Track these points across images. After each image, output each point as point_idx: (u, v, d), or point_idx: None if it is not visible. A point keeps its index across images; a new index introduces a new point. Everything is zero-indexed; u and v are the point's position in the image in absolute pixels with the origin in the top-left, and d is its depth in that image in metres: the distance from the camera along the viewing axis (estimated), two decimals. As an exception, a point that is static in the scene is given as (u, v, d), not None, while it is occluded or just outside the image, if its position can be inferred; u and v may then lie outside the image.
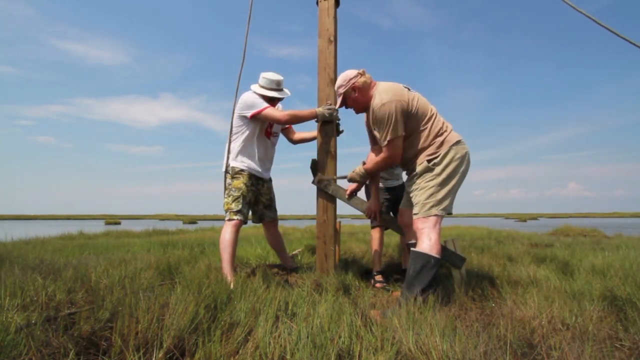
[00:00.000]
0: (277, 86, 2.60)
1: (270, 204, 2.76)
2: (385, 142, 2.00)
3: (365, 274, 2.93)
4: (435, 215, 1.92)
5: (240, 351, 1.19)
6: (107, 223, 24.73)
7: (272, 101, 2.59)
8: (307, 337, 1.19)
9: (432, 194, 1.94)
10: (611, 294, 1.82)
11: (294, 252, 3.75)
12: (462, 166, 1.99)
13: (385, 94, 1.98)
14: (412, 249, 1.94)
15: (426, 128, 2.02)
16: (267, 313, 1.43)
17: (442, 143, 1.99)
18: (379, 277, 2.72)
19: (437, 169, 1.96)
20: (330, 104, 2.47)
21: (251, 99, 2.50)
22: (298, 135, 2.92)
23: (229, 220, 2.44)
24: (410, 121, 2.01)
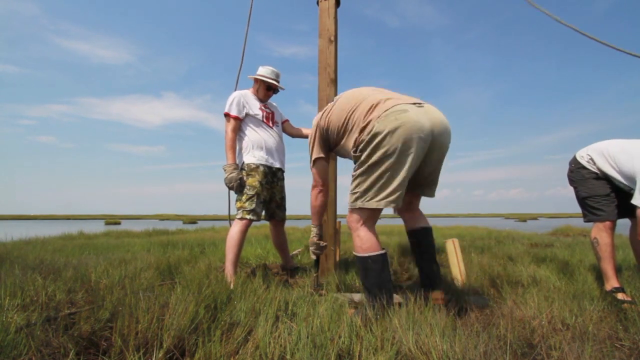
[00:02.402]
0: (276, 77, 2.70)
1: (282, 203, 2.76)
2: (311, 164, 2.02)
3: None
4: (360, 208, 1.68)
5: (240, 351, 1.19)
6: (107, 223, 24.73)
7: (269, 90, 2.70)
8: (307, 337, 1.19)
9: (358, 184, 1.68)
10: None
11: (294, 252, 3.76)
12: (397, 144, 1.55)
13: None
14: (353, 253, 1.77)
15: (352, 117, 1.75)
16: (267, 313, 1.43)
17: (367, 124, 1.64)
18: None
19: (363, 156, 1.65)
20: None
21: (229, 100, 2.57)
22: (296, 130, 2.94)
23: (241, 219, 2.44)
24: (332, 128, 1.85)
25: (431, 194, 1.90)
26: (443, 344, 1.14)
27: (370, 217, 1.72)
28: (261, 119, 2.60)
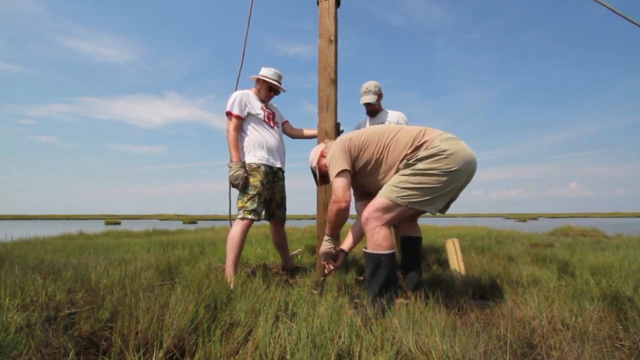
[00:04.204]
0: (279, 79, 2.71)
1: (282, 203, 2.77)
2: (332, 178, 1.89)
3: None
4: (393, 202, 1.73)
5: (240, 351, 1.19)
6: (107, 223, 24.73)
7: (271, 90, 2.71)
8: (307, 337, 1.19)
9: (405, 181, 1.75)
10: (611, 294, 1.82)
11: (294, 252, 3.76)
12: (454, 165, 1.72)
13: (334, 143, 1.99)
14: (363, 249, 1.81)
15: (394, 142, 1.86)
16: (267, 313, 1.43)
17: (423, 142, 1.80)
18: None
19: (421, 164, 1.75)
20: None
21: (231, 99, 2.57)
22: (296, 131, 2.94)
23: (242, 219, 2.44)
24: (366, 150, 1.91)
25: (442, 212, 2.00)
26: (443, 344, 1.14)
27: (397, 216, 1.77)
28: (262, 118, 2.61)
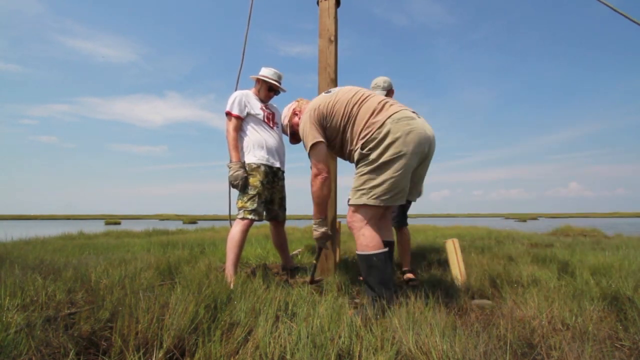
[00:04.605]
0: (278, 79, 2.71)
1: (282, 204, 2.77)
2: (308, 150, 1.89)
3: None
4: (365, 204, 1.72)
5: (240, 351, 1.19)
6: (107, 223, 24.73)
7: (271, 90, 2.71)
8: (307, 337, 1.19)
9: (365, 181, 1.73)
10: (611, 294, 1.82)
11: (294, 252, 3.76)
12: (405, 148, 1.67)
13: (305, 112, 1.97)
14: (356, 251, 1.79)
15: (358, 113, 1.80)
16: (267, 313, 1.43)
17: (376, 122, 1.73)
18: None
19: (373, 154, 1.72)
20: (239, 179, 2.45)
21: (231, 99, 2.57)
22: None
23: (242, 219, 2.44)
24: (333, 119, 1.87)
25: (413, 198, 2.01)
26: (443, 344, 1.14)
27: (374, 215, 1.76)
28: (262, 119, 2.61)
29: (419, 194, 2.01)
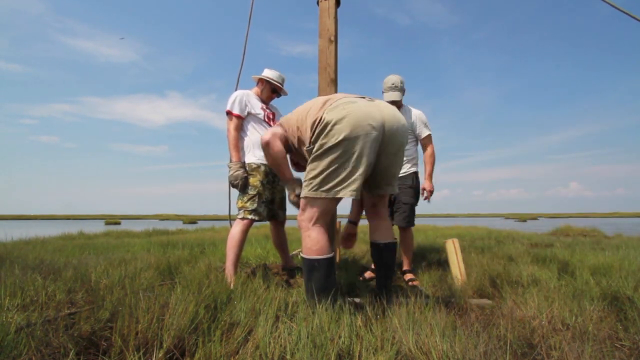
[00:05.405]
0: (282, 81, 2.73)
1: (282, 204, 2.77)
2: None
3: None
4: (311, 203, 1.64)
5: (240, 351, 1.19)
6: (107, 223, 24.73)
7: (274, 92, 2.73)
8: (307, 337, 1.19)
9: (307, 172, 1.67)
10: (611, 294, 1.82)
11: (294, 252, 3.76)
12: (342, 133, 1.55)
13: None
14: (300, 254, 1.71)
15: (307, 116, 1.74)
16: (267, 313, 1.43)
17: (318, 119, 1.65)
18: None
19: (315, 147, 1.64)
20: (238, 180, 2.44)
21: (232, 98, 2.56)
22: None
23: (242, 219, 2.44)
24: (290, 132, 1.85)
25: (392, 189, 1.86)
26: (443, 344, 1.14)
27: (322, 214, 1.66)
28: (263, 118, 2.61)
29: (390, 185, 1.84)
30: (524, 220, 37.13)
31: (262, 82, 2.70)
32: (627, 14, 1.94)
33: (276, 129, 1.89)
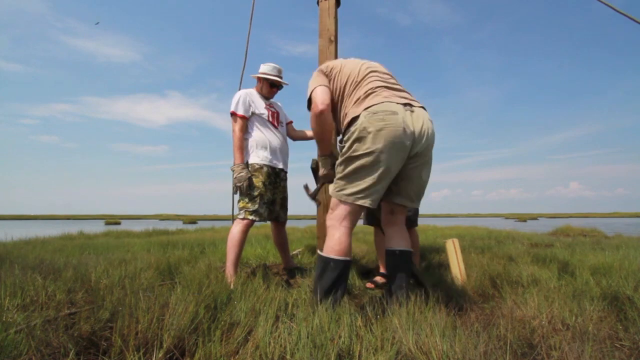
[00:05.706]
0: (278, 73, 2.69)
1: (284, 204, 2.76)
2: (308, 95, 1.78)
3: (366, 274, 2.93)
4: (342, 202, 1.64)
5: (240, 351, 1.19)
6: (107, 223, 24.73)
7: (273, 87, 2.69)
8: (307, 337, 1.19)
9: (337, 172, 1.68)
10: (611, 294, 1.82)
11: (294, 252, 3.76)
12: (376, 145, 1.54)
13: None
14: (318, 252, 1.69)
15: (351, 93, 1.72)
16: (267, 313, 1.43)
17: (355, 112, 1.65)
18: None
19: (345, 146, 1.65)
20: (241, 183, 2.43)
21: (235, 99, 2.55)
22: (298, 133, 2.94)
23: (243, 219, 2.44)
24: (335, 81, 1.79)
25: (405, 202, 1.79)
26: (443, 344, 1.14)
27: (351, 214, 1.65)
28: (267, 118, 2.60)
29: (410, 198, 1.78)
30: (524, 220, 37.13)
31: (260, 79, 2.69)
32: (626, 15, 1.94)
33: (327, 98, 1.74)
